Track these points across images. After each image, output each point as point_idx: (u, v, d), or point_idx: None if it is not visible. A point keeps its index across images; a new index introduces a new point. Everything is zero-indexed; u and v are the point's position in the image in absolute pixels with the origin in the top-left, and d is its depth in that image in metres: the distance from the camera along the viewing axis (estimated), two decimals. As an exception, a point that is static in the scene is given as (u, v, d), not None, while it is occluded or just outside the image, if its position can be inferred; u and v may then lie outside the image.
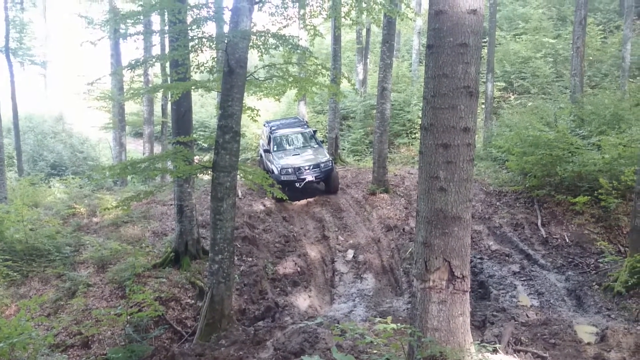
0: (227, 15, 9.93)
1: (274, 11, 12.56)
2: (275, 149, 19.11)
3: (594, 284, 11.78)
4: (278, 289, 13.00)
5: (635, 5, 24.49)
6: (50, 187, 18.22)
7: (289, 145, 19.45)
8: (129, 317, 9.63)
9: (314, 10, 14.63)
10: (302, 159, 18.20)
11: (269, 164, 18.81)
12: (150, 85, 22.90)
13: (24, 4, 27.87)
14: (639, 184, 10.78)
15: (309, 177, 17.66)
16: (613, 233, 13.98)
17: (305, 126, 20.50)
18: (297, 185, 17.73)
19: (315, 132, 20.50)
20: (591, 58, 24.89)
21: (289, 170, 17.62)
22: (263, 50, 10.76)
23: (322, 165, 17.85)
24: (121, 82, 22.88)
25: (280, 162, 18.03)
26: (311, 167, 17.74)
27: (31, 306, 9.53)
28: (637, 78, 22.54)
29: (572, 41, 20.46)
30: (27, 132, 27.09)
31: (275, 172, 17.71)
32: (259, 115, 11.78)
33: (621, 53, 22.27)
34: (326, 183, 18.37)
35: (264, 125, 21.28)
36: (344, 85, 26.88)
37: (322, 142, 20.38)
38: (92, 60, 38.41)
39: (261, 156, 20.49)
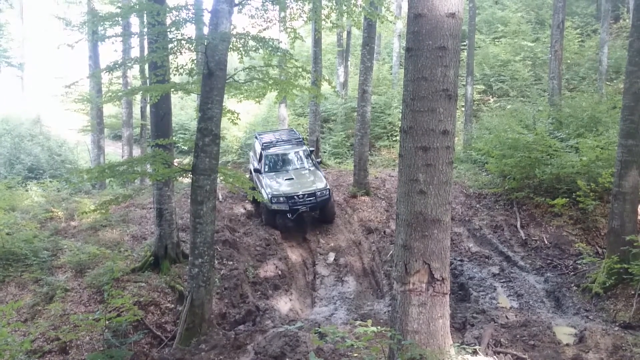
0: (206, 18, 9.88)
1: (254, 13, 12.46)
2: (266, 169, 17.19)
3: (572, 285, 11.91)
4: (259, 293, 12.94)
5: (612, 9, 24.89)
6: (27, 190, 17.91)
7: (282, 167, 17.41)
8: (107, 322, 9.51)
9: (294, 12, 14.56)
10: (297, 186, 16.15)
11: (259, 186, 16.66)
12: (129, 87, 22.67)
13: (1, 5, 27.47)
14: (616, 186, 10.92)
15: (303, 208, 15.78)
16: (591, 234, 14.16)
17: (301, 143, 18.54)
18: (289, 215, 15.89)
19: (312, 151, 18.60)
20: (569, 61, 25.22)
21: (281, 198, 15.67)
22: (243, 52, 10.72)
23: (319, 193, 15.84)
24: (99, 85, 22.65)
25: (272, 187, 16.13)
26: (306, 196, 15.74)
27: (7, 311, 9.34)
28: (614, 81, 22.88)
29: (550, 44, 20.72)
30: (4, 134, 26.66)
31: (266, 198, 15.61)
32: (239, 119, 11.72)
33: (598, 56, 22.63)
34: (321, 212, 16.57)
35: (255, 138, 19.48)
36: (325, 87, 26.87)
37: (320, 162, 18.48)
38: (70, 62, 38.18)
39: (251, 172, 18.66)
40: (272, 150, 17.81)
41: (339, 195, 18.41)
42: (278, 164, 17.48)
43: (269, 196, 15.69)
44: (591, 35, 27.54)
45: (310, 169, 17.32)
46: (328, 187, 16.26)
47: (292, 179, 16.60)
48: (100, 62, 21.97)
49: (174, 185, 12.90)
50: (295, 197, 15.71)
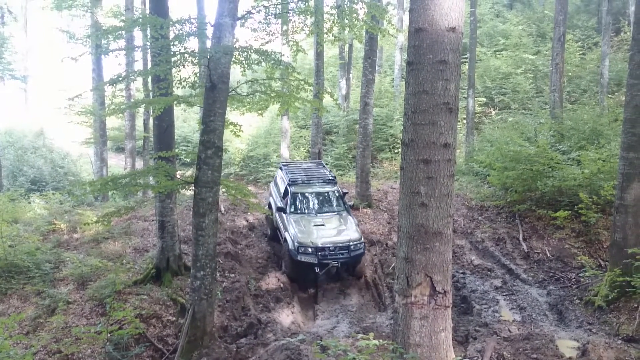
0: (209, 31, 9.95)
1: (256, 27, 12.52)
2: (292, 209, 15.04)
3: (575, 298, 11.86)
4: (261, 305, 12.90)
5: (613, 22, 25.02)
6: (30, 202, 17.98)
7: (311, 209, 15.36)
8: (109, 335, 9.48)
9: (296, 26, 14.64)
10: (328, 235, 14.06)
11: (282, 228, 14.99)
12: (132, 100, 22.75)
13: (5, 18, 27.70)
14: (619, 199, 10.92)
15: (334, 263, 13.64)
16: (593, 247, 14.14)
17: (333, 181, 16.26)
18: (316, 269, 13.69)
19: (345, 193, 16.51)
20: (570, 74, 25.29)
21: (309, 249, 13.59)
22: (246, 65, 10.77)
23: (352, 246, 13.71)
24: (103, 97, 22.73)
25: (299, 234, 13.91)
26: (337, 249, 13.66)
27: (9, 324, 9.33)
28: (616, 94, 22.93)
29: (551, 57, 20.78)
30: (7, 147, 26.81)
31: (291, 246, 13.85)
32: (242, 131, 11.78)
33: (599, 69, 22.72)
34: (350, 267, 14.35)
35: (280, 169, 17.32)
36: (327, 100, 26.99)
37: (352, 206, 16.41)
38: (74, 75, 38.27)
39: (269, 205, 16.78)
40: (300, 188, 15.68)
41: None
42: (306, 205, 15.47)
43: (295, 244, 13.73)
44: (592, 48, 27.65)
45: (342, 213, 15.22)
46: (362, 239, 14.18)
47: (322, 225, 14.55)
48: (104, 75, 22.03)
49: (177, 198, 12.93)
50: (326, 249, 13.66)
